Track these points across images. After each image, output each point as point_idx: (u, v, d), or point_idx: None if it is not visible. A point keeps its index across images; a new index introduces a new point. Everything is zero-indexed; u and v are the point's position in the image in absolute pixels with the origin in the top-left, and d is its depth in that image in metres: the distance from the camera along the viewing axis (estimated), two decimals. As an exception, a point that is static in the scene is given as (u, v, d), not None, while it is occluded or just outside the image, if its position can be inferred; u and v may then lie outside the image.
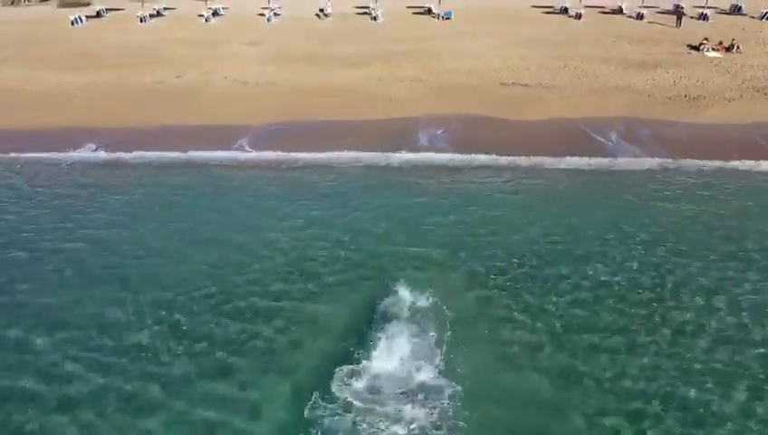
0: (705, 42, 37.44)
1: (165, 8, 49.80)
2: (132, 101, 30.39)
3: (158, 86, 32.33)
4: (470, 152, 24.98)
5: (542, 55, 36.41)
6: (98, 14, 48.55)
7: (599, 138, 26.22)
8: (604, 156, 24.83)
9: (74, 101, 30.43)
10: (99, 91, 31.65)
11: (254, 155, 25.44)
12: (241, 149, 25.88)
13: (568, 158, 24.57)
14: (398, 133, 26.60)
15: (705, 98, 30.25)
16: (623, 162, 24.57)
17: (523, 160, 24.52)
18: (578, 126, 27.15)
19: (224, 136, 26.70)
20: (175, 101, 30.29)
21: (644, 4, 47.49)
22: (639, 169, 24.08)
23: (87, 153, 26.02)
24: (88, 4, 51.60)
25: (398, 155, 24.92)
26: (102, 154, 26.03)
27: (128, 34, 42.70)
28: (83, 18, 46.39)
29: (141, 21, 46.25)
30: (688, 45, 38.27)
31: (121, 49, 38.85)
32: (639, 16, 46.15)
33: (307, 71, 34.30)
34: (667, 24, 44.05)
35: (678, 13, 44.04)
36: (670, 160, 24.60)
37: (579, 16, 46.33)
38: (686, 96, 30.54)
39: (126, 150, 26.03)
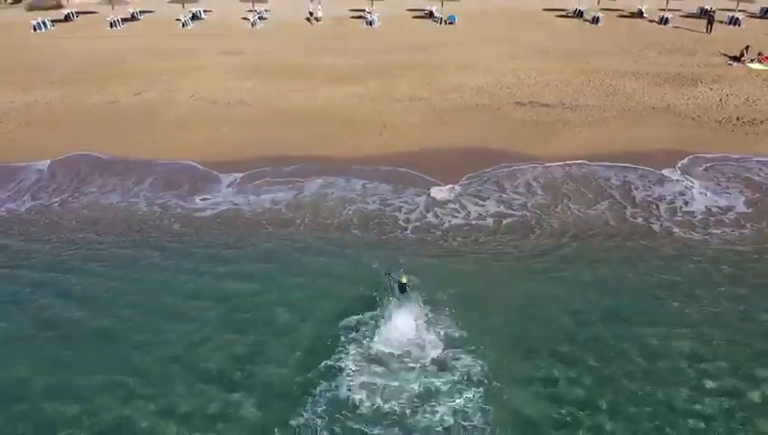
0: (745, 51, 31.09)
1: (141, 11, 43.38)
2: (71, 128, 24.08)
3: (109, 108, 26.01)
4: (485, 208, 18.73)
5: (560, 68, 30.08)
6: (66, 18, 42.13)
7: (655, 187, 19.62)
8: (670, 219, 17.98)
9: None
10: (35, 114, 25.34)
11: (207, 208, 18.91)
12: (190, 197, 19.48)
13: (625, 221, 17.95)
14: (392, 178, 20.18)
15: (762, 122, 23.93)
16: (703, 229, 17.52)
17: (558, 221, 18.19)
18: (619, 165, 20.77)
19: (170, 178, 20.48)
20: (124, 127, 23.99)
21: (667, 7, 41.06)
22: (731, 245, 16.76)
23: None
24: (59, 7, 45.17)
25: (389, 211, 18.45)
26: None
27: (93, 42, 36.36)
28: (47, 23, 40.00)
29: (112, 26, 39.86)
30: (726, 55, 31.95)
31: (80, 59, 32.50)
32: (663, 21, 39.68)
33: (288, 87, 27.99)
34: (696, 30, 37.63)
35: (709, 17, 37.58)
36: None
37: (596, 21, 39.88)
38: (738, 119, 24.23)
39: (40, 197, 19.76)
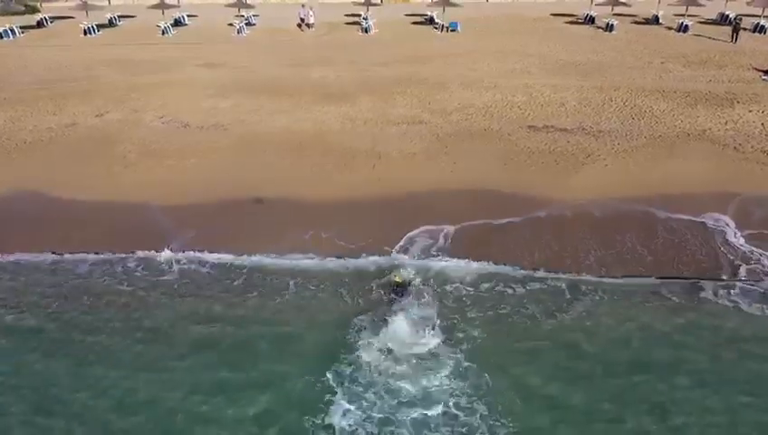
0: (782, 64, 27.47)
1: (120, 16, 39.59)
2: (15, 159, 20.32)
3: (65, 132, 22.21)
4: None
5: (577, 84, 26.34)
6: (39, 24, 38.30)
7: (704, 244, 15.85)
8: (727, 290, 14.28)
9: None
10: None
11: (142, 287, 14.60)
12: (126, 265, 15.30)
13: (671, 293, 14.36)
14: (383, 233, 16.21)
15: (816, 154, 20.29)
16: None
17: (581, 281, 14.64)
18: (657, 216, 17.01)
19: (111, 233, 16.53)
20: (79, 157, 20.23)
21: (686, 13, 37.34)
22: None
23: None
24: (35, 12, 41.31)
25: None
26: None
27: (62, 51, 32.48)
28: (16, 30, 36.10)
29: (86, 33, 36.01)
30: (759, 69, 28.23)
31: (42, 73, 28.68)
32: (683, 28, 35.98)
33: (272, 107, 24.25)
34: (719, 39, 33.95)
35: (734, 25, 33.85)
36: None
37: (610, 28, 36.15)
38: (787, 149, 20.62)
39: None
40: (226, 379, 11.86)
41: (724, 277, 14.53)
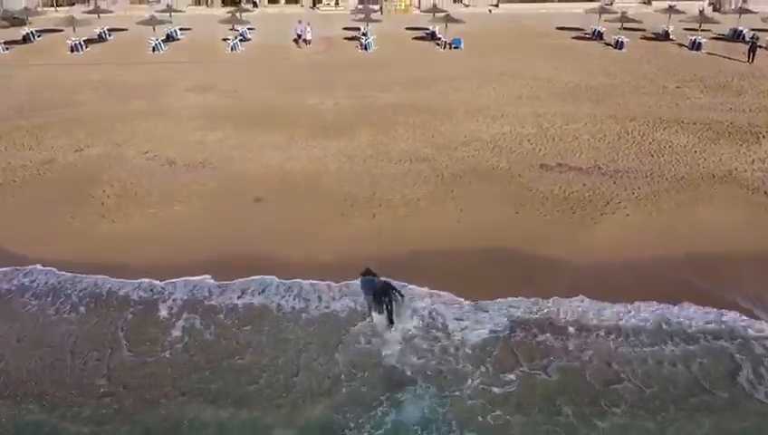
0: (804, 90, 25.50)
1: (110, 30, 37.43)
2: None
3: (41, 170, 20.15)
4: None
5: (589, 112, 24.37)
6: (25, 39, 36.16)
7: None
8: None
9: None
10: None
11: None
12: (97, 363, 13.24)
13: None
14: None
15: None
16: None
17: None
18: (690, 283, 15.05)
19: (79, 310, 14.37)
20: (52, 204, 18.18)
21: (700, 28, 35.26)
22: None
23: None
24: (22, 24, 39.07)
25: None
26: None
27: (46, 72, 30.41)
28: (0, 46, 34.08)
29: (72, 50, 33.91)
30: (780, 95, 26.34)
31: (24, 97, 26.57)
32: (695, 46, 33.93)
33: (264, 140, 22.25)
34: (734, 58, 31.97)
35: (751, 43, 31.86)
36: None
37: (620, 45, 34.09)
38: (823, 197, 18.67)
39: None
40: None
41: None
